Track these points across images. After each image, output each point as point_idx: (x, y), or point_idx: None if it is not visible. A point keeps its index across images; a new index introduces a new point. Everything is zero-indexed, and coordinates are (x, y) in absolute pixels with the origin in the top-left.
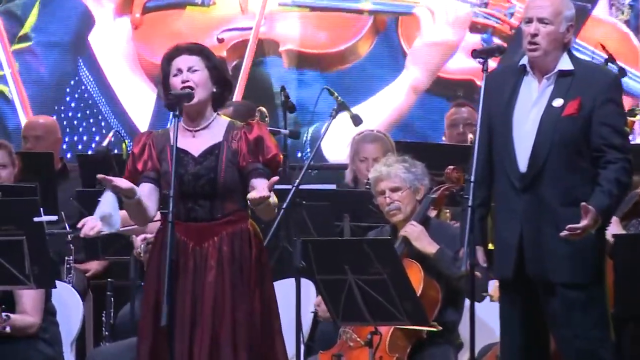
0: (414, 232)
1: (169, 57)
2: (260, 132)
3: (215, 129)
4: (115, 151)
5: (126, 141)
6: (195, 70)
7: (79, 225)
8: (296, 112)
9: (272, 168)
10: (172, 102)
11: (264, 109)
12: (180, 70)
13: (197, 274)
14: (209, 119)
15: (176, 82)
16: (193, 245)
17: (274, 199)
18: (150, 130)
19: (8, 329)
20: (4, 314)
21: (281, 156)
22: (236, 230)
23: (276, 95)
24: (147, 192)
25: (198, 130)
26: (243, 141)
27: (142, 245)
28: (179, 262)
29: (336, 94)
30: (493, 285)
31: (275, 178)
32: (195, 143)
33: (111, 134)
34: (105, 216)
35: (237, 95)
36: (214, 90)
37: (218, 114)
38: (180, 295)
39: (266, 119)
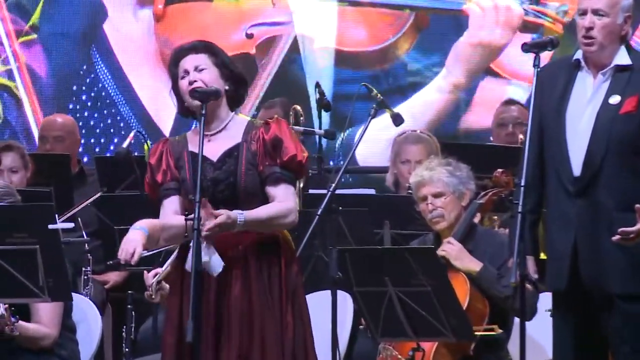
0: (452, 251)
1: (175, 60)
2: (279, 131)
3: (233, 130)
4: (136, 153)
5: (148, 142)
6: (203, 69)
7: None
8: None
9: (292, 171)
10: (198, 99)
11: (298, 108)
12: (187, 72)
13: (221, 287)
14: (225, 120)
15: (184, 85)
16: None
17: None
18: (165, 138)
19: (16, 332)
20: (12, 317)
21: (303, 156)
22: (262, 238)
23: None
24: (173, 208)
25: (214, 133)
26: (260, 142)
27: (154, 284)
28: (202, 274)
29: (375, 90)
30: None
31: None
32: (212, 147)
33: (132, 134)
34: (204, 264)
35: (261, 94)
36: (227, 88)
37: (236, 113)
38: (204, 310)
39: (301, 118)
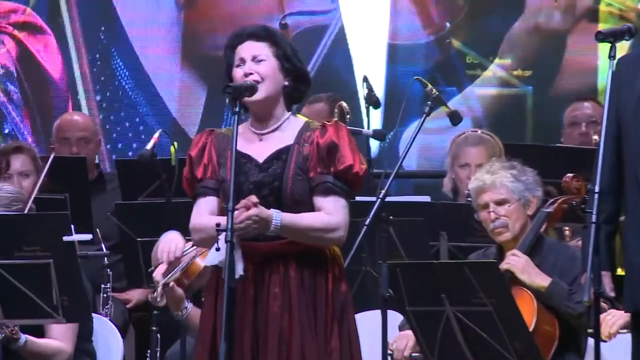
0: (518, 263)
1: (232, 44)
2: (336, 136)
3: (287, 131)
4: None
5: (175, 144)
6: (261, 60)
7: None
8: (381, 108)
9: (347, 183)
10: (230, 95)
11: (345, 105)
12: (243, 60)
13: (259, 305)
14: (281, 119)
15: (238, 74)
16: (254, 270)
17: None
18: (211, 129)
19: (23, 340)
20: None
21: (362, 168)
22: (307, 251)
23: (359, 89)
24: (209, 209)
25: (266, 132)
26: (314, 146)
27: (161, 285)
28: (236, 290)
29: (430, 85)
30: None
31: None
32: (261, 147)
33: (157, 134)
34: (220, 264)
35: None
36: (285, 83)
37: (293, 113)
38: (239, 329)
39: (347, 116)
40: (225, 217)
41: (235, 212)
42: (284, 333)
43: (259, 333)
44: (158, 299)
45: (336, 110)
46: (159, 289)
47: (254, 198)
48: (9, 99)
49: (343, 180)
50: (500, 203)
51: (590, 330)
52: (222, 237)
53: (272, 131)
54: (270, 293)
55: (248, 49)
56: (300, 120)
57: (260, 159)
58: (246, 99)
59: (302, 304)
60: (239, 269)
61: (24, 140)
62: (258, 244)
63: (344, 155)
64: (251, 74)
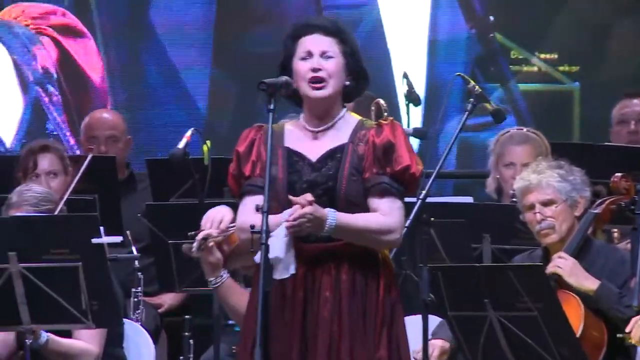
0: (565, 266)
1: (296, 34)
2: (392, 135)
3: (342, 129)
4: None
5: (208, 142)
6: (330, 57)
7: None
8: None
9: (404, 184)
10: (265, 91)
11: (382, 102)
12: (310, 54)
13: (308, 308)
14: (335, 117)
15: (303, 68)
16: (304, 272)
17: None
18: (259, 124)
19: (44, 339)
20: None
21: (418, 169)
22: (360, 254)
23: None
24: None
25: (321, 130)
26: (370, 146)
27: (200, 237)
28: (285, 293)
29: (472, 82)
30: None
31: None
32: (314, 145)
33: (189, 133)
34: (274, 260)
35: None
36: (347, 83)
37: (347, 111)
38: (287, 333)
39: (385, 114)
40: (278, 215)
41: (290, 210)
42: (333, 339)
43: (307, 337)
44: (193, 249)
45: (373, 108)
46: (197, 241)
47: (309, 196)
48: (50, 100)
49: (399, 181)
50: (546, 204)
51: (619, 335)
52: (274, 232)
53: (327, 129)
54: (320, 297)
55: (317, 42)
56: (354, 118)
57: (314, 158)
58: (311, 94)
59: (353, 309)
60: (292, 268)
61: (66, 141)
62: (311, 245)
63: (400, 155)
64: (319, 69)
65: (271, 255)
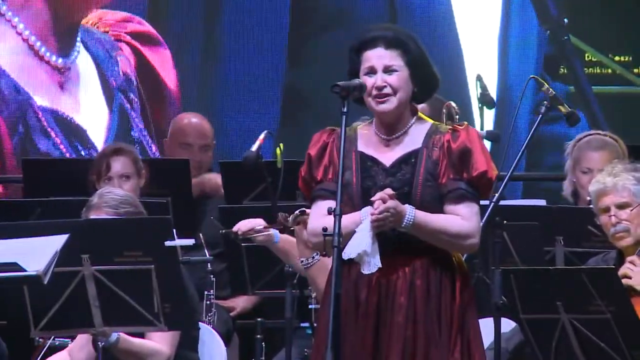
0: (635, 275)
1: (359, 47)
2: (469, 140)
3: (415, 134)
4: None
5: (281, 145)
6: (394, 71)
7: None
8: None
9: (480, 189)
10: (339, 94)
11: (453, 104)
12: (373, 69)
13: (382, 314)
14: (407, 125)
15: (368, 83)
16: (378, 277)
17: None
18: (332, 127)
19: (114, 337)
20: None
21: (494, 173)
22: (435, 259)
23: (471, 88)
24: (326, 212)
25: (393, 138)
26: (445, 151)
27: (297, 212)
28: (358, 298)
29: (547, 84)
30: None
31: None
32: (387, 151)
33: (263, 135)
34: (361, 255)
35: None
36: (415, 90)
37: (418, 115)
38: (359, 338)
39: (456, 116)
40: (351, 214)
41: (375, 204)
42: (408, 344)
43: (380, 343)
44: (289, 218)
45: (444, 111)
46: (294, 213)
47: (389, 190)
48: (131, 107)
49: (475, 186)
50: (621, 207)
51: None
52: (364, 220)
53: (400, 136)
54: (395, 302)
55: (379, 57)
56: (427, 122)
57: (388, 163)
58: (376, 108)
59: (428, 314)
60: (377, 261)
61: (149, 148)
62: (384, 249)
63: (477, 160)
64: (384, 86)
65: (359, 249)
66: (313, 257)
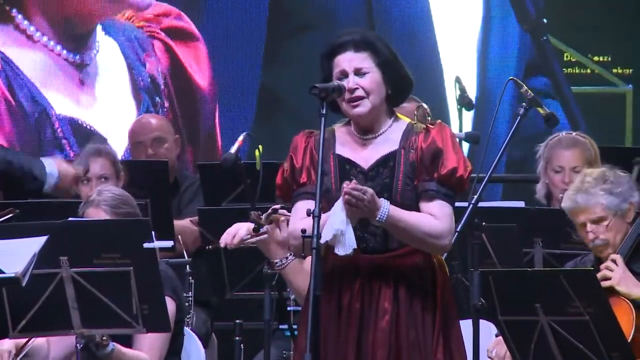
0: (614, 274)
1: (330, 53)
2: (440, 139)
3: (392, 134)
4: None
5: (260, 147)
6: (365, 73)
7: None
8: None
9: (451, 187)
10: (317, 96)
11: (425, 106)
12: (344, 73)
13: (366, 319)
14: (384, 126)
15: (348, 85)
16: (361, 283)
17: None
18: (311, 130)
19: (110, 347)
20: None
21: (466, 170)
22: (416, 264)
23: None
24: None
25: (370, 138)
26: (418, 152)
27: (270, 209)
28: (341, 303)
29: (525, 86)
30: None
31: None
32: (365, 152)
33: (241, 137)
34: (336, 235)
35: None
36: (389, 92)
37: (396, 115)
38: (342, 343)
39: (428, 118)
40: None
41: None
42: (392, 350)
43: (364, 349)
44: (262, 216)
45: (415, 113)
46: (267, 213)
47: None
48: (156, 111)
49: (447, 186)
50: (597, 222)
51: None
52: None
53: (377, 136)
54: (379, 308)
55: (349, 60)
56: (403, 122)
57: (366, 165)
58: (351, 112)
59: (411, 319)
60: (353, 243)
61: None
62: (368, 256)
63: (447, 159)
64: (356, 88)
65: (333, 231)
66: (287, 258)
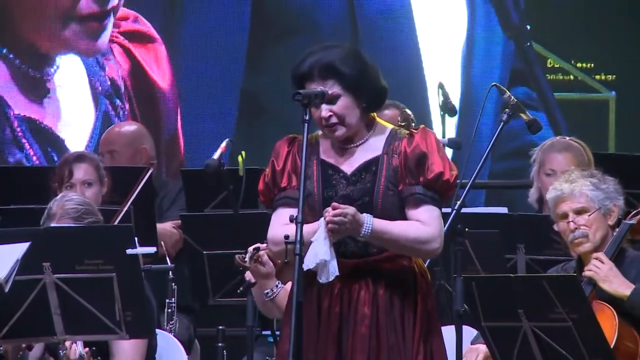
0: (600, 271)
1: (299, 81)
2: (424, 144)
3: (375, 140)
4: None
5: (243, 153)
6: (335, 98)
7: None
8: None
9: (438, 191)
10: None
11: (409, 112)
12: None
13: (345, 324)
14: (365, 136)
15: (315, 115)
16: (340, 287)
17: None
18: (294, 135)
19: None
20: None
21: (452, 175)
22: (396, 269)
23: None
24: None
25: (353, 146)
26: (402, 157)
27: (252, 249)
28: (321, 308)
29: (508, 92)
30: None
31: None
32: (349, 158)
33: (224, 143)
34: (320, 264)
35: None
36: (364, 105)
37: (377, 121)
38: (322, 348)
39: (412, 124)
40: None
41: (329, 208)
42: (372, 355)
43: (344, 354)
44: (246, 259)
45: (399, 119)
46: (249, 252)
47: (336, 205)
48: (116, 114)
49: (433, 189)
50: (579, 212)
51: None
52: (320, 228)
53: (359, 145)
54: (358, 313)
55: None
56: (387, 127)
57: (349, 171)
58: (331, 136)
59: (391, 324)
60: (336, 270)
61: None
62: (347, 261)
63: (433, 163)
64: (330, 116)
65: (317, 260)
66: (277, 286)
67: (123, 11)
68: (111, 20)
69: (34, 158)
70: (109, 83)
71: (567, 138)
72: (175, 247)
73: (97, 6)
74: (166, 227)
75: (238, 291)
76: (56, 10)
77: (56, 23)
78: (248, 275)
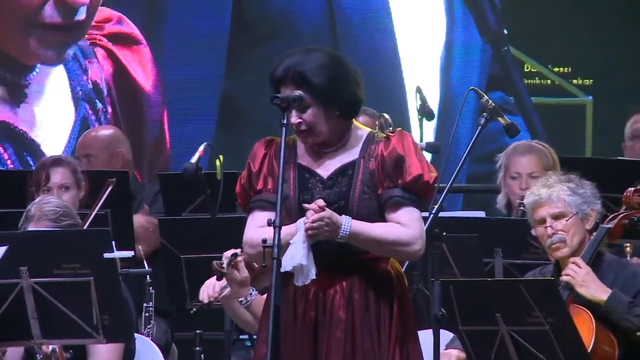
0: (577, 276)
1: (274, 88)
2: (401, 147)
3: (352, 144)
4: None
5: (221, 157)
6: (306, 107)
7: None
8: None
9: (417, 193)
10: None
11: (387, 117)
12: (288, 107)
13: (320, 328)
14: (342, 139)
15: (292, 121)
16: (315, 291)
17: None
18: (272, 137)
19: None
20: (66, 353)
21: (431, 176)
22: (372, 272)
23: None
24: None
25: (330, 151)
26: (379, 161)
27: (229, 254)
28: (296, 312)
29: (486, 96)
30: None
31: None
32: (325, 162)
33: (202, 147)
34: (297, 267)
35: None
36: (337, 113)
37: (355, 125)
38: (297, 352)
39: (390, 128)
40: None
41: (307, 213)
42: (347, 358)
43: (319, 358)
44: (224, 265)
45: (377, 123)
46: (227, 258)
47: (321, 202)
48: (96, 118)
49: (412, 192)
50: (557, 217)
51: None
52: (299, 231)
53: (336, 150)
54: (333, 317)
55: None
56: (364, 131)
57: (325, 174)
58: (304, 142)
59: (366, 328)
60: (312, 273)
61: None
62: (320, 264)
63: (411, 165)
64: (300, 122)
65: (294, 262)
66: (250, 294)
67: (106, 12)
68: (82, 32)
69: (8, 162)
70: (90, 87)
71: (531, 141)
72: (150, 244)
73: (60, 18)
74: (140, 222)
75: (191, 312)
76: (20, 17)
77: (21, 31)
78: (202, 295)
